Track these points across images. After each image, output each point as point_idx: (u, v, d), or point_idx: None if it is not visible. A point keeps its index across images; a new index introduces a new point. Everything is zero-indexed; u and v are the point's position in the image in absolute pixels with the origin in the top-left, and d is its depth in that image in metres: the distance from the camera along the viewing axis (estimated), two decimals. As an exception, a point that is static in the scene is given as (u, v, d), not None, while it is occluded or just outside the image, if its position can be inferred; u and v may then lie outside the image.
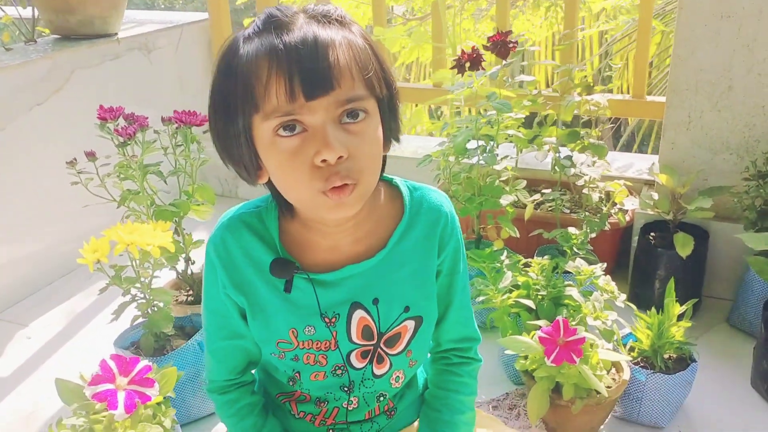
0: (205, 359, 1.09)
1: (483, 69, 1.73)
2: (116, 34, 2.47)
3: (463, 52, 1.69)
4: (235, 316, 1.00)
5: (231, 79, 0.83)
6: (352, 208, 0.86)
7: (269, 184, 0.92)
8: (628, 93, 2.53)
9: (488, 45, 1.74)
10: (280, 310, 0.97)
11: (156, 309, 1.54)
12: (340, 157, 0.81)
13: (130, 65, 2.49)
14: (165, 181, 1.70)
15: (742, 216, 1.82)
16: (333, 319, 0.97)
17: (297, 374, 1.02)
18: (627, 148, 5.05)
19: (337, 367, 1.00)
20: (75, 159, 1.64)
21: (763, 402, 1.61)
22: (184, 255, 1.77)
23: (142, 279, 1.51)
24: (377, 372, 1.02)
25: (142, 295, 1.54)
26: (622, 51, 4.52)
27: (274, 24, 0.82)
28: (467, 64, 1.69)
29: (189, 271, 1.82)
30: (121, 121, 1.65)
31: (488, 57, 1.86)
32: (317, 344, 0.98)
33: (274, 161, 0.85)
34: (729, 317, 1.92)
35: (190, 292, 1.84)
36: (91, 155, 1.65)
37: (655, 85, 4.18)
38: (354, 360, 1.00)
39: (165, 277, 1.77)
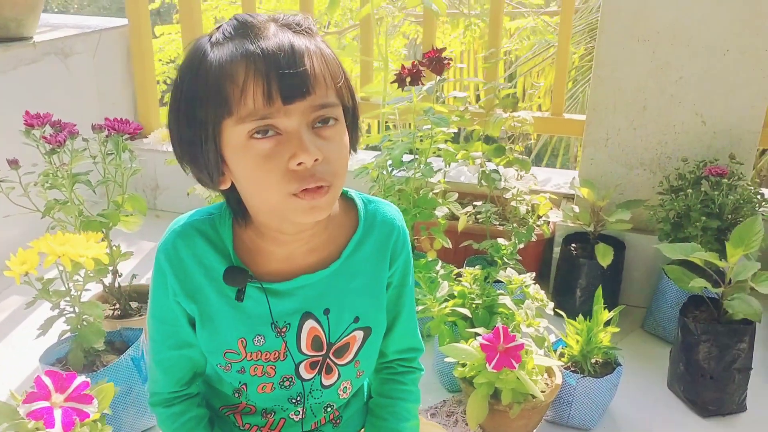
0: (148, 370, 1.07)
1: (422, 84, 1.77)
2: (32, 37, 2.37)
3: (403, 67, 1.73)
4: (184, 325, 0.99)
5: (200, 82, 0.83)
6: (324, 211, 0.87)
7: (228, 190, 0.91)
8: (539, 111, 2.64)
9: (423, 61, 1.78)
10: (230, 319, 0.96)
11: (86, 323, 1.48)
12: (316, 160, 0.83)
13: (46, 71, 2.39)
14: (94, 191, 1.64)
15: (657, 228, 1.93)
16: (284, 329, 0.97)
17: (243, 386, 1.01)
18: (536, 164, 5.26)
19: (285, 379, 1.00)
20: (-4, 167, 1.56)
21: (680, 403, 1.72)
22: (111, 268, 1.71)
23: (73, 292, 1.45)
24: (326, 383, 1.03)
25: (71, 309, 1.48)
26: (533, 70, 4.72)
27: (248, 30, 0.82)
28: (408, 79, 1.73)
29: (116, 284, 1.76)
30: (48, 129, 1.58)
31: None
32: (266, 355, 0.98)
33: (245, 165, 0.84)
34: (644, 323, 2.04)
35: (117, 306, 1.78)
36: (14, 163, 1.57)
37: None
38: (303, 371, 1.00)
39: (90, 290, 1.71)
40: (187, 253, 0.95)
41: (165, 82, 3.93)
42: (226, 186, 0.90)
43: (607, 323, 1.57)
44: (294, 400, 1.02)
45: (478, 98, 3.46)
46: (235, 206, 0.94)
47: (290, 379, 1.00)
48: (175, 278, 0.95)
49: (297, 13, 0.88)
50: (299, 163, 0.82)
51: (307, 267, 0.97)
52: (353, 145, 0.93)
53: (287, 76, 0.80)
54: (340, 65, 0.88)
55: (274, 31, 0.83)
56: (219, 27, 0.86)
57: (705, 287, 1.61)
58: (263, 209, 0.90)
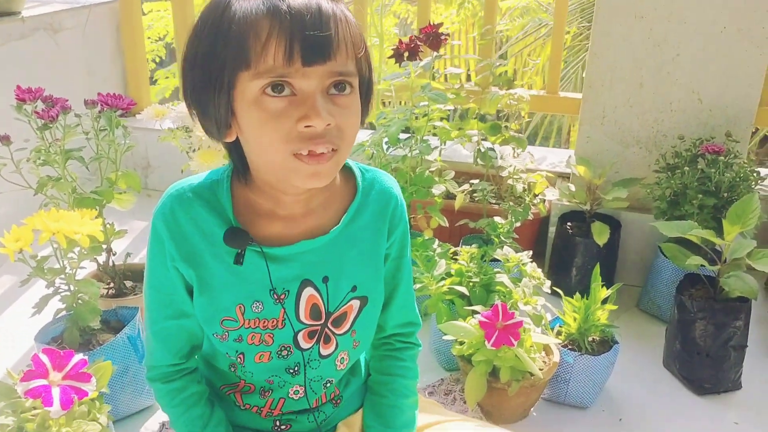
0: (145, 343, 1.05)
1: (420, 59, 1.75)
2: (20, 12, 2.32)
3: (401, 42, 1.71)
4: (181, 293, 0.98)
5: (221, 31, 0.82)
6: (327, 178, 0.87)
7: (232, 144, 0.91)
8: (531, 89, 2.63)
9: (420, 36, 1.76)
10: (228, 284, 0.95)
11: (82, 302, 1.47)
12: (327, 125, 0.82)
13: (35, 46, 2.35)
14: (87, 168, 1.61)
15: (653, 206, 1.93)
16: (282, 296, 0.96)
17: (240, 357, 1.00)
18: (530, 143, 5.24)
19: (282, 348, 0.99)
20: (-14, 143, 1.54)
21: (675, 381, 1.73)
22: (105, 246, 1.69)
23: (68, 270, 1.43)
24: (323, 352, 1.02)
25: (66, 287, 1.46)
26: (525, 50, 4.69)
27: None
28: (406, 54, 1.71)
29: (111, 263, 1.74)
30: (39, 104, 1.56)
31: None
32: (264, 322, 0.97)
33: (254, 119, 0.83)
34: (639, 302, 2.04)
35: (111, 285, 1.77)
36: (5, 139, 1.54)
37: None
38: (301, 340, 1.00)
39: (85, 268, 1.69)
40: (184, 217, 0.94)
41: (154, 60, 3.88)
42: (231, 139, 0.89)
43: (605, 301, 1.58)
44: (291, 371, 1.02)
45: (469, 77, 3.45)
46: (238, 161, 0.93)
47: (288, 348, 1.00)
48: (172, 243, 0.94)
49: None
50: (307, 126, 0.81)
51: (306, 232, 0.97)
52: (363, 119, 0.92)
53: (311, 38, 0.80)
54: (362, 36, 0.88)
55: None
56: None
57: (701, 265, 1.61)
58: (266, 168, 0.89)
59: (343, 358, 1.05)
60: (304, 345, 1.00)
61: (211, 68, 0.83)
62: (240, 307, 0.96)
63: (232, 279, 0.95)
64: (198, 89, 0.86)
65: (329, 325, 1.00)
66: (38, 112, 1.51)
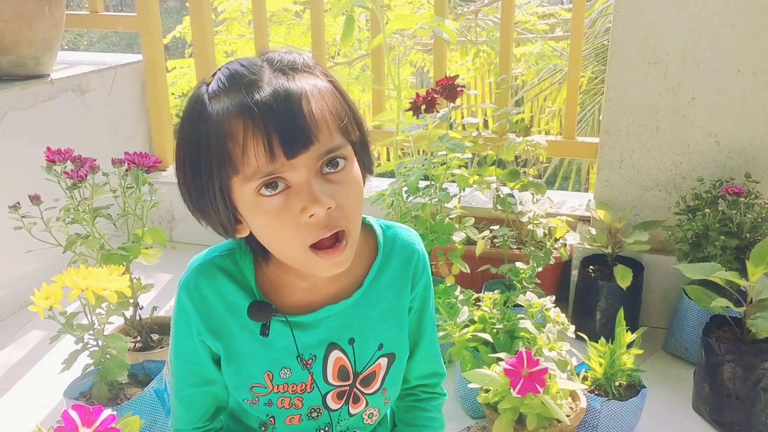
0: (171, 407, 1.06)
1: (437, 111, 1.79)
2: (49, 75, 2.41)
3: (417, 95, 1.75)
4: (207, 363, 0.99)
5: (202, 140, 0.80)
6: (346, 263, 0.86)
7: (249, 236, 0.90)
8: (549, 135, 2.65)
9: (437, 89, 1.80)
10: (256, 353, 0.96)
11: (110, 356, 1.49)
12: (329, 209, 0.81)
13: (63, 107, 2.42)
14: (114, 224, 1.65)
15: (675, 248, 1.93)
16: (309, 361, 0.97)
17: (271, 419, 1.00)
18: (548, 188, 5.26)
19: (312, 410, 1.00)
20: (18, 203, 1.58)
21: (706, 424, 1.70)
22: (132, 300, 1.72)
23: (96, 326, 1.46)
24: (353, 411, 1.02)
25: (94, 343, 1.49)
26: (540, 95, 4.75)
27: (241, 81, 0.79)
28: (423, 107, 1.75)
29: (137, 317, 1.77)
30: (68, 164, 1.60)
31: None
32: (293, 387, 0.98)
33: (259, 221, 0.84)
34: (665, 344, 2.02)
35: (138, 339, 1.79)
36: (36, 199, 1.59)
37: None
38: (330, 401, 1.00)
39: (113, 323, 1.71)
40: (209, 290, 0.94)
41: (177, 115, 3.97)
42: (244, 234, 0.89)
43: (630, 345, 1.56)
44: (322, 430, 1.02)
45: (486, 124, 3.49)
46: (257, 248, 0.92)
47: (318, 410, 1.00)
48: (198, 317, 0.95)
49: (291, 51, 0.86)
50: (311, 215, 0.80)
51: (329, 297, 0.97)
52: (368, 169, 0.92)
53: (287, 130, 0.77)
54: (342, 99, 0.85)
55: (268, 79, 0.80)
56: (215, 74, 0.84)
57: (727, 306, 1.60)
58: (286, 260, 0.89)
59: (371, 413, 1.05)
60: (333, 406, 1.00)
61: (201, 178, 0.82)
62: (268, 374, 0.96)
63: (259, 348, 0.96)
64: (196, 198, 0.85)
65: (358, 384, 1.00)
66: (67, 172, 1.55)
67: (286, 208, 0.81)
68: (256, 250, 0.93)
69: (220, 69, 0.83)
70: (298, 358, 0.96)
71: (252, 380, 0.97)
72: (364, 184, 0.91)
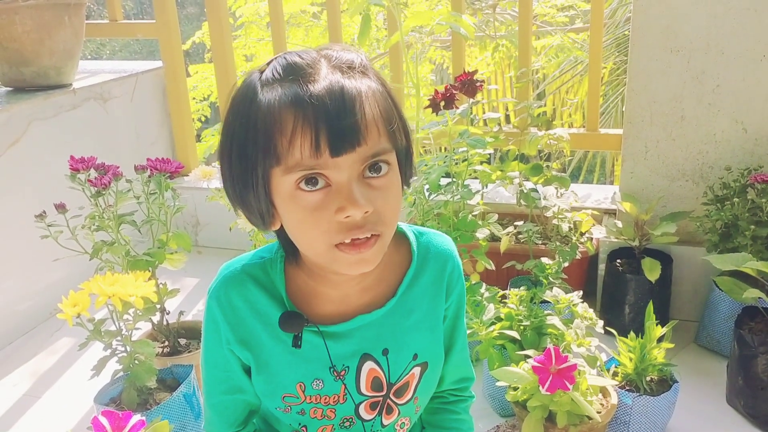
0: (203, 412, 1.06)
1: (456, 107, 1.77)
2: (71, 84, 2.43)
3: (436, 92, 1.74)
4: (238, 371, 0.98)
5: (250, 127, 0.80)
6: (372, 263, 0.84)
7: (280, 230, 0.89)
8: (572, 128, 2.62)
9: (456, 85, 1.79)
10: (287, 364, 0.94)
11: (138, 362, 1.50)
12: (366, 213, 0.79)
13: (86, 116, 2.45)
14: (139, 230, 1.66)
15: (704, 239, 1.89)
16: (342, 372, 0.95)
17: (304, 429, 0.99)
18: (572, 181, 5.21)
19: (345, 420, 0.98)
20: (44, 212, 1.60)
21: (741, 418, 1.67)
22: (159, 306, 1.73)
23: (124, 332, 1.47)
24: (385, 422, 1.01)
25: (123, 349, 1.50)
26: (561, 88, 4.70)
27: (297, 72, 0.79)
28: (442, 103, 1.74)
29: (165, 322, 1.78)
30: (92, 172, 1.62)
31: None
32: (325, 398, 0.96)
33: (293, 215, 0.82)
34: (697, 337, 1.99)
35: (166, 344, 1.80)
36: (61, 207, 1.61)
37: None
38: (363, 412, 0.98)
39: (140, 329, 1.73)
40: (239, 299, 0.93)
41: (200, 119, 4.00)
42: (276, 227, 0.88)
43: (660, 339, 1.54)
44: None
45: (508, 118, 3.47)
46: (287, 246, 0.91)
47: (351, 420, 0.98)
48: (228, 326, 0.93)
49: (350, 49, 0.84)
50: (347, 216, 0.79)
51: (362, 307, 0.95)
52: (406, 182, 0.90)
53: (337, 128, 0.76)
54: (393, 104, 0.83)
55: (324, 73, 0.79)
56: (270, 62, 0.83)
57: (759, 297, 1.57)
58: (311, 256, 0.88)
59: (403, 423, 1.04)
60: (366, 416, 0.99)
61: (246, 165, 0.81)
62: (300, 385, 0.95)
63: (291, 359, 0.94)
64: (238, 184, 0.84)
65: (391, 395, 0.98)
66: (91, 180, 1.56)
67: (323, 205, 0.79)
68: (287, 250, 0.92)
69: (276, 58, 0.83)
70: (331, 369, 0.94)
71: (283, 390, 0.95)
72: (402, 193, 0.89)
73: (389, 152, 0.82)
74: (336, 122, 0.76)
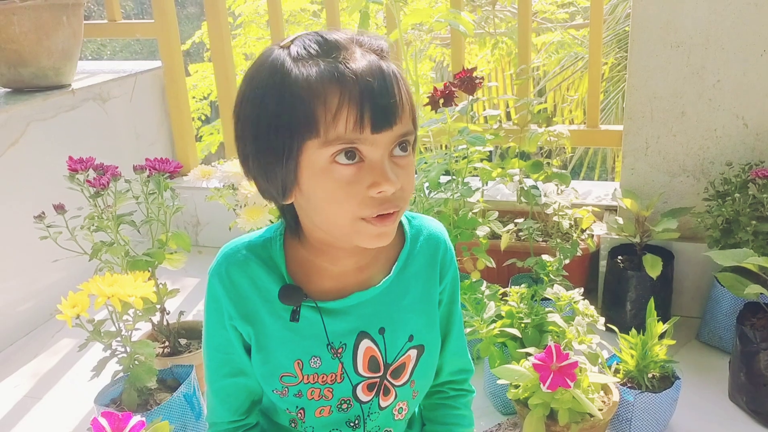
0: (206, 400, 1.07)
1: (455, 105, 1.77)
2: (70, 85, 2.43)
3: (435, 89, 1.73)
4: (239, 351, 0.99)
5: (284, 100, 0.81)
6: (390, 237, 0.88)
7: (287, 205, 0.91)
8: (573, 124, 2.61)
9: (455, 82, 1.78)
10: (285, 341, 0.96)
11: (138, 363, 1.49)
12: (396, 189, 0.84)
13: (85, 116, 2.44)
14: (138, 231, 1.66)
15: (705, 235, 1.89)
16: (339, 350, 0.96)
17: (300, 412, 1.00)
18: (573, 178, 5.20)
19: (342, 401, 0.99)
20: (43, 213, 1.59)
21: (744, 414, 1.66)
22: (159, 306, 1.73)
23: (123, 332, 1.47)
24: (383, 404, 1.01)
25: (123, 349, 1.49)
26: (562, 84, 4.69)
27: (334, 49, 0.81)
28: (441, 101, 1.73)
29: (165, 322, 1.77)
30: (91, 173, 1.61)
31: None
32: (323, 377, 0.97)
33: (323, 187, 0.83)
34: (699, 334, 1.98)
35: (166, 344, 1.79)
36: (60, 208, 1.60)
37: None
38: (360, 393, 0.99)
39: (140, 329, 1.72)
40: (240, 275, 0.95)
41: (200, 118, 4.00)
42: (291, 201, 0.89)
43: (662, 336, 1.53)
44: (352, 423, 1.01)
45: (508, 115, 3.46)
46: (291, 220, 0.94)
47: (348, 401, 0.99)
48: (229, 301, 0.95)
49: (378, 36, 0.87)
50: (380, 192, 0.82)
51: (359, 284, 0.97)
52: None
53: (380, 105, 0.80)
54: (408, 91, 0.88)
55: (360, 54, 0.82)
56: (295, 39, 0.84)
57: (761, 293, 1.56)
58: (327, 228, 0.89)
59: (401, 408, 1.04)
60: (363, 398, 1.00)
61: (276, 136, 0.82)
62: (298, 362, 0.96)
63: (289, 335, 0.96)
64: (262, 156, 0.85)
65: (388, 376, 1.00)
66: (90, 180, 1.56)
67: (356, 179, 0.82)
68: (291, 226, 0.94)
69: (300, 36, 0.85)
70: (328, 347, 0.96)
71: (282, 369, 0.97)
72: None
73: (413, 134, 0.86)
74: (379, 100, 0.80)
